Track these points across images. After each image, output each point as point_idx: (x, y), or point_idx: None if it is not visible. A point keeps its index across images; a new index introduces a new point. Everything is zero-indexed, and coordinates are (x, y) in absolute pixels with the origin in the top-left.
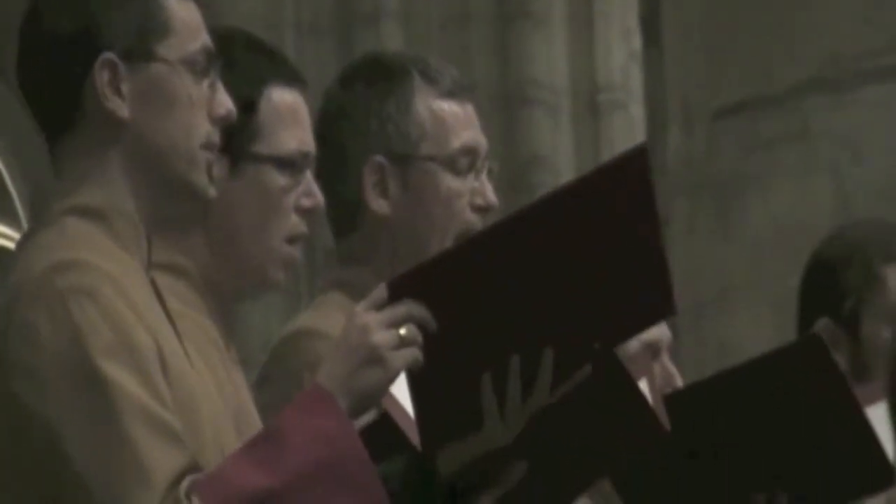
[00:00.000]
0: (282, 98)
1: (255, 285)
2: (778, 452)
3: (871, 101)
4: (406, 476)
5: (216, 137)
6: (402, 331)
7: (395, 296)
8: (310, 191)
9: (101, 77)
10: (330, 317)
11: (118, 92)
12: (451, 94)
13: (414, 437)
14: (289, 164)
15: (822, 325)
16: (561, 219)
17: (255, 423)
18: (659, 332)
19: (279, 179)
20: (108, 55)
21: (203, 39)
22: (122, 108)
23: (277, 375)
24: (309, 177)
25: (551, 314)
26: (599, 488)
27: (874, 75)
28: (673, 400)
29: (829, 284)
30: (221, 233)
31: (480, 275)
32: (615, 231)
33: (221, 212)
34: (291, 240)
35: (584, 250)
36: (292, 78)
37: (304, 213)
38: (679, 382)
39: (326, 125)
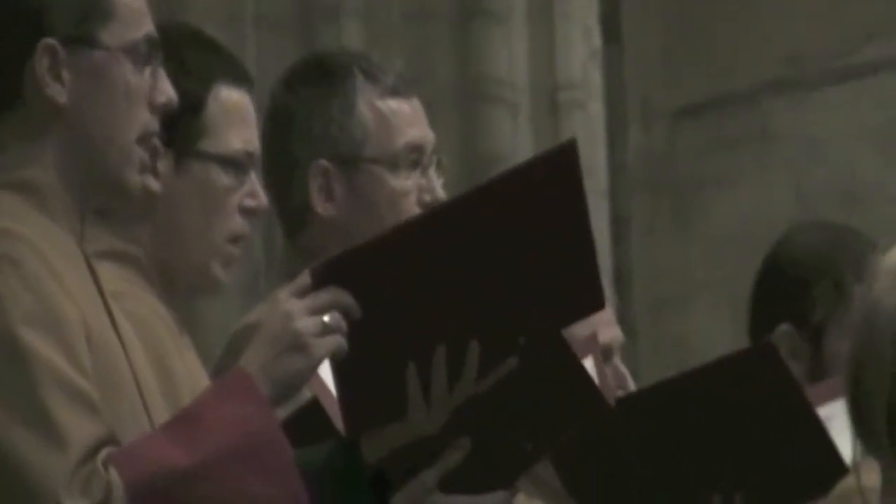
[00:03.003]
0: (229, 97)
1: (197, 281)
2: (732, 454)
3: (832, 101)
4: (331, 462)
5: (155, 126)
6: (326, 318)
7: (318, 283)
8: (254, 191)
9: (42, 63)
10: None
11: (58, 78)
12: (394, 92)
13: (340, 423)
14: (234, 164)
15: (784, 332)
16: (490, 210)
17: None
18: (611, 333)
19: (224, 179)
20: (49, 41)
21: (147, 27)
22: (62, 95)
23: (230, 367)
24: (253, 177)
25: (478, 305)
26: (554, 489)
27: (834, 76)
28: (627, 402)
29: (794, 295)
30: (166, 226)
31: (407, 264)
32: (544, 224)
33: (165, 208)
34: (234, 239)
35: (513, 243)
36: (240, 77)
37: (248, 213)
38: (631, 383)
39: (272, 129)
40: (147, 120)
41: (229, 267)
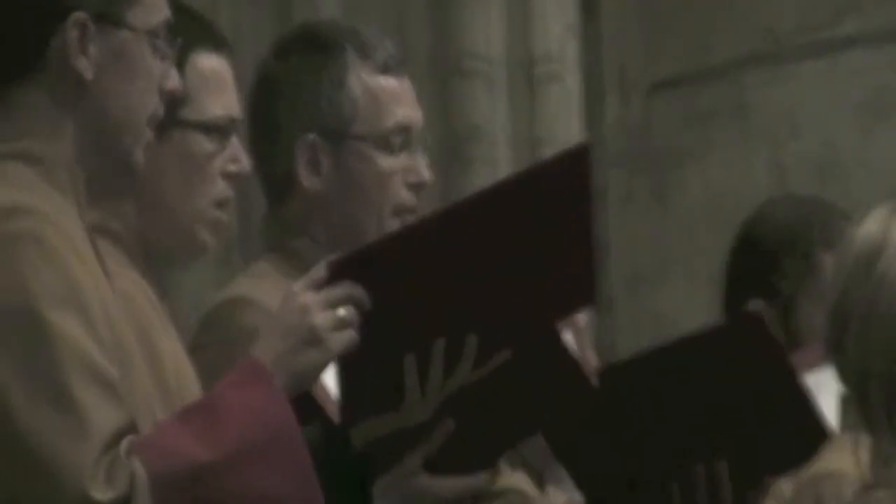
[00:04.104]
0: (208, 63)
1: (185, 249)
2: (716, 423)
3: (809, 75)
4: (318, 446)
5: (161, 111)
6: (341, 312)
7: (334, 277)
8: (236, 156)
9: (72, 34)
10: (265, 285)
11: (85, 52)
12: (385, 69)
13: (330, 408)
14: (215, 130)
15: (755, 306)
16: (497, 212)
17: (191, 381)
18: (578, 317)
19: (206, 145)
20: (82, 14)
21: (165, 12)
22: (88, 70)
23: (211, 342)
24: (235, 142)
25: (480, 299)
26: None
27: (812, 49)
28: (612, 372)
29: (765, 268)
30: (150, 198)
31: (417, 261)
32: (550, 222)
33: (149, 177)
34: (219, 204)
35: (517, 242)
36: (218, 43)
37: (231, 178)
38: (594, 365)
39: (260, 98)
40: (157, 104)
41: (217, 232)
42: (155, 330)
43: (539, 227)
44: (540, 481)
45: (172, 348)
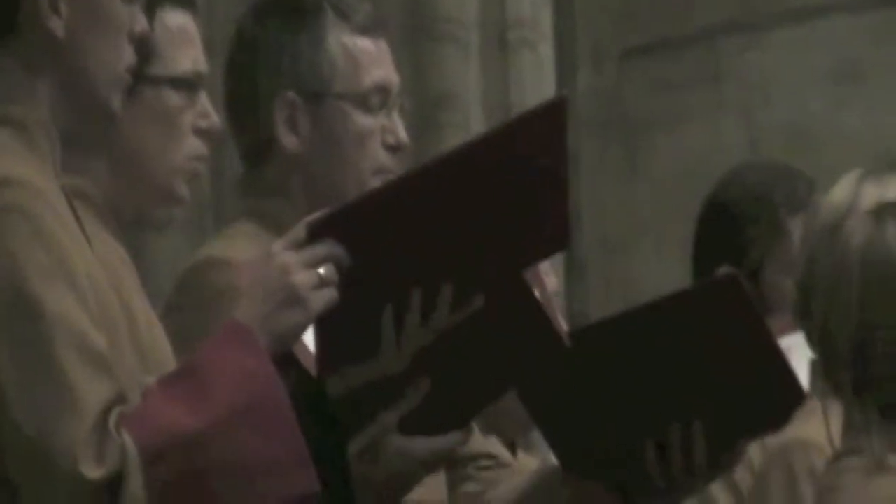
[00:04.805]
0: (173, 20)
1: (162, 203)
2: (691, 384)
3: (782, 43)
4: (294, 396)
5: (134, 58)
6: (321, 271)
7: (314, 236)
8: (205, 111)
9: None
10: (240, 246)
11: (56, 10)
12: (364, 31)
13: (307, 361)
14: (185, 84)
15: (724, 271)
16: (476, 167)
17: (163, 341)
18: (549, 283)
19: (175, 99)
20: None
21: None
22: (60, 28)
23: (187, 304)
24: (204, 98)
25: (456, 249)
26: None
27: (785, 17)
28: (587, 333)
29: (732, 234)
30: (124, 156)
31: (395, 218)
32: (525, 176)
33: (122, 136)
34: (194, 158)
35: (494, 194)
36: (183, 0)
37: (202, 134)
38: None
39: (238, 58)
40: (130, 51)
41: (191, 182)
42: (131, 294)
43: (514, 177)
44: (513, 449)
45: (144, 308)
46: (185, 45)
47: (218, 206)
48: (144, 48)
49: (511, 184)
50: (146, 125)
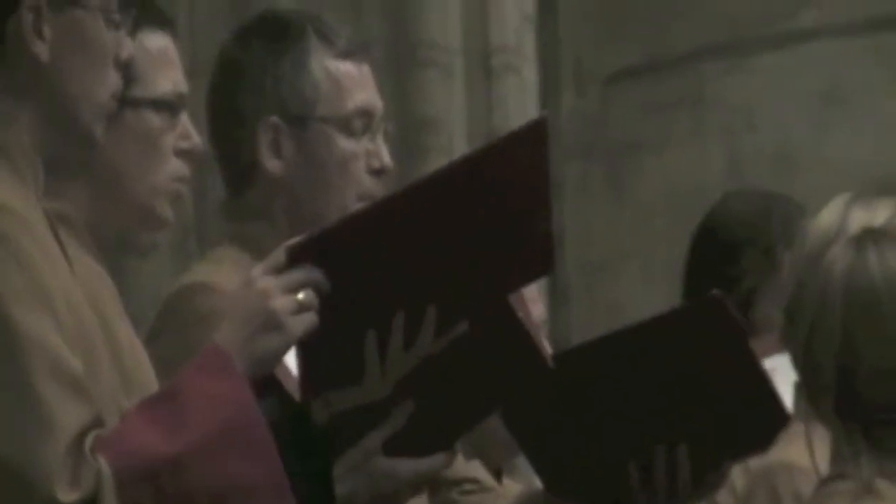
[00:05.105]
0: (153, 42)
1: (146, 226)
2: (676, 406)
3: (766, 67)
4: (278, 421)
5: (120, 84)
6: (301, 295)
7: (293, 260)
8: (187, 132)
9: (27, 19)
10: (224, 271)
11: (40, 35)
12: (346, 55)
13: (290, 385)
14: (165, 105)
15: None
16: (457, 189)
17: (146, 367)
18: (536, 310)
19: (156, 120)
20: None
21: None
22: (44, 53)
23: (171, 328)
24: (185, 119)
25: (439, 273)
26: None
27: (769, 42)
28: (572, 355)
29: (726, 261)
30: (105, 177)
31: (375, 241)
32: (506, 199)
33: (103, 157)
34: (175, 180)
35: (476, 217)
36: (162, 21)
37: (184, 155)
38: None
39: (221, 82)
40: (115, 77)
41: (174, 204)
42: (114, 318)
43: (496, 200)
44: (498, 476)
45: (127, 332)
46: (165, 66)
47: (201, 229)
48: (126, 71)
49: (493, 206)
50: (127, 147)
